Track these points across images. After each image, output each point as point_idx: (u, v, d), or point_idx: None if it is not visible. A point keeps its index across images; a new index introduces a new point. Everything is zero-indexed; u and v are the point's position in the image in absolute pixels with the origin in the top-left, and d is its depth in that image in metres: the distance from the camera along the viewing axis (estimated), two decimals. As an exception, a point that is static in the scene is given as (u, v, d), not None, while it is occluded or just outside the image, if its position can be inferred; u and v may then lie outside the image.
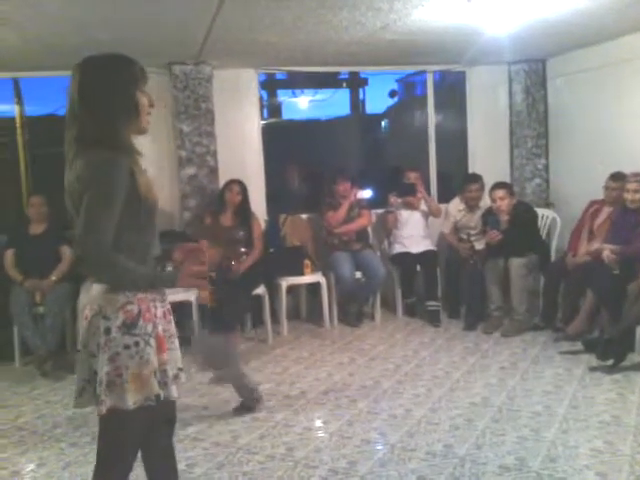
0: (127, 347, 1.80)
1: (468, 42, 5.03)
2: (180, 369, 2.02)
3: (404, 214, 5.72)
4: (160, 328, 1.90)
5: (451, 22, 4.34)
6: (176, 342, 2.02)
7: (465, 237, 5.54)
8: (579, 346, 4.37)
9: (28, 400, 4.03)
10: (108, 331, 1.80)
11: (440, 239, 5.99)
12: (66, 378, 4.40)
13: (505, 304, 5.15)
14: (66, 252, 4.88)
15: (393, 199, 5.68)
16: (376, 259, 5.53)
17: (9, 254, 4.86)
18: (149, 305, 1.87)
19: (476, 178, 5.70)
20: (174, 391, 1.95)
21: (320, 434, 3.30)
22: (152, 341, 1.85)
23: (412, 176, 5.69)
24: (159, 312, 1.92)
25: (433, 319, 5.36)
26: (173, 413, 2.10)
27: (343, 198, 5.51)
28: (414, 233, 5.71)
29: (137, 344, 1.81)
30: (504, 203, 5.03)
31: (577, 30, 4.76)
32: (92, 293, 1.86)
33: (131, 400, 1.80)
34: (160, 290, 1.94)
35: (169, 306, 2.01)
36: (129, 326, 1.81)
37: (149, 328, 1.85)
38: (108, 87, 1.82)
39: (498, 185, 5.17)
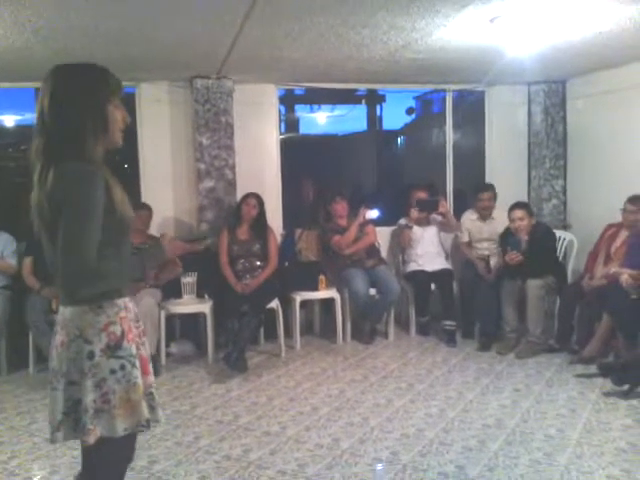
0: (113, 371, 1.71)
1: (489, 62, 5.04)
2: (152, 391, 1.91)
3: (417, 231, 5.71)
4: (141, 350, 1.84)
5: (473, 42, 4.36)
6: (150, 365, 1.92)
7: (482, 256, 5.54)
8: (594, 369, 4.34)
9: (42, 407, 4.04)
10: (91, 355, 1.69)
11: (454, 253, 6.00)
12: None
13: (520, 325, 5.12)
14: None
15: (415, 213, 5.66)
16: (390, 276, 5.52)
17: (27, 262, 4.90)
18: (130, 325, 1.79)
19: (487, 187, 5.73)
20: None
21: (332, 451, 3.28)
22: (137, 363, 1.77)
23: (422, 195, 5.70)
24: (135, 332, 1.83)
25: (449, 339, 5.33)
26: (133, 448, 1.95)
27: (342, 218, 5.53)
28: (428, 250, 5.70)
29: (123, 367, 1.72)
30: (523, 224, 5.00)
31: (598, 52, 4.77)
32: (65, 316, 1.74)
33: (121, 427, 1.73)
34: (135, 301, 1.87)
35: (143, 326, 1.93)
36: (113, 348, 1.71)
37: (133, 349, 1.77)
38: (77, 97, 1.72)
39: (517, 205, 5.14)
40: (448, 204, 6.35)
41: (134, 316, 1.85)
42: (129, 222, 1.79)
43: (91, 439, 1.70)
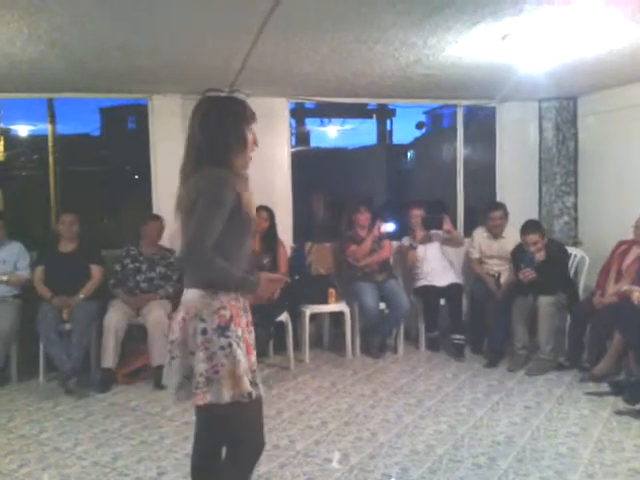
0: (222, 348, 2.01)
1: (500, 79, 5.06)
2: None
3: (420, 250, 5.72)
4: (246, 335, 2.13)
5: (484, 59, 4.38)
6: (254, 352, 2.20)
7: (492, 273, 5.54)
8: (605, 387, 4.30)
9: (51, 416, 4.06)
10: (205, 332, 2.01)
11: (466, 268, 6.00)
12: (89, 395, 4.44)
13: (530, 342, 5.09)
14: (96, 271, 4.96)
15: (421, 234, 5.67)
16: (400, 290, 5.52)
17: (38, 271, 4.94)
18: (239, 312, 2.10)
19: (498, 206, 5.73)
20: (261, 390, 2.14)
21: (341, 466, 3.27)
22: (242, 344, 2.07)
23: (416, 213, 5.71)
24: (243, 322, 2.13)
25: (457, 353, 5.32)
26: None
27: (363, 229, 5.53)
28: (434, 267, 5.70)
29: (230, 345, 2.02)
30: (538, 247, 4.97)
31: (610, 69, 4.78)
32: (186, 297, 2.08)
33: (226, 395, 2.01)
34: (245, 295, 2.16)
35: (250, 318, 2.22)
36: (223, 328, 2.02)
37: (239, 332, 2.07)
38: (225, 121, 2.11)
39: (530, 229, 5.04)
40: (459, 219, 6.38)
41: (243, 306, 2.15)
42: (251, 224, 2.13)
43: (199, 401, 2.01)
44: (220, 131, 2.10)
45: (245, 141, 2.14)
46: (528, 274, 4.92)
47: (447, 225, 5.66)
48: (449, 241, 5.79)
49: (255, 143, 2.21)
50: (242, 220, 2.07)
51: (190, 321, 2.04)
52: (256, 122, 2.20)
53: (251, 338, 2.19)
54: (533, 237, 4.99)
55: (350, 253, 5.51)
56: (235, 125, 2.12)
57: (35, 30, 3.57)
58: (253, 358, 2.16)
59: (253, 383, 2.09)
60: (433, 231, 5.77)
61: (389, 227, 5.60)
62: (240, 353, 2.04)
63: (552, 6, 3.27)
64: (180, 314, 2.09)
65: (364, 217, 5.55)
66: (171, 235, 5.50)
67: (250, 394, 2.05)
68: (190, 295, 2.07)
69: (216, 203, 1.99)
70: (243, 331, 2.10)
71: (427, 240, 5.74)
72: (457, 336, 5.37)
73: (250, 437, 2.16)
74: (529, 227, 5.08)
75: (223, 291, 2.05)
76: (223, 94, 2.36)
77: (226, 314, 2.04)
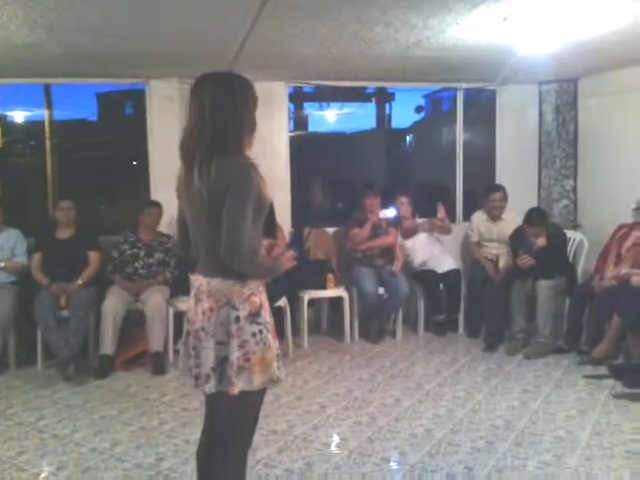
0: (254, 335, 2.00)
1: (501, 61, 5.01)
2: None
3: (407, 245, 5.71)
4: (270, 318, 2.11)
5: (485, 40, 4.33)
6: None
7: (490, 257, 5.54)
8: (603, 371, 4.32)
9: (49, 403, 4.06)
10: (237, 320, 1.98)
11: (463, 253, 5.98)
12: (87, 382, 4.44)
13: (529, 326, 5.09)
14: (93, 257, 4.94)
15: (408, 223, 5.69)
16: (399, 275, 5.50)
17: (36, 257, 4.91)
18: (265, 297, 2.09)
19: (498, 188, 5.72)
20: (283, 374, 2.13)
21: (339, 450, 3.27)
22: (271, 329, 2.07)
23: (403, 200, 5.69)
24: (267, 305, 2.11)
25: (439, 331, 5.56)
26: None
27: (371, 213, 5.50)
28: (430, 253, 5.70)
29: (261, 332, 2.01)
30: (541, 239, 4.95)
31: (611, 50, 4.72)
32: (213, 285, 2.01)
33: (257, 381, 2.01)
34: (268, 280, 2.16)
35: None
36: (254, 315, 2.01)
37: (268, 317, 2.06)
38: (239, 104, 2.02)
39: (536, 221, 4.98)
40: (458, 203, 6.36)
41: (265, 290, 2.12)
42: (267, 205, 2.05)
43: (235, 390, 1.99)
44: (236, 115, 2.00)
45: (255, 123, 2.07)
46: (526, 260, 4.90)
47: (440, 213, 5.63)
48: (439, 229, 5.76)
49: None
50: (262, 206, 2.01)
51: (220, 309, 2.00)
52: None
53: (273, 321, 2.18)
54: (537, 230, 4.96)
55: (352, 235, 5.51)
56: (248, 108, 2.04)
57: (29, 14, 3.51)
58: (277, 342, 2.15)
59: (278, 367, 2.09)
60: (420, 220, 5.78)
61: (389, 213, 5.54)
62: (270, 338, 2.04)
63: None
64: (206, 303, 2.02)
65: (370, 202, 5.52)
66: (169, 221, 5.47)
67: (278, 378, 2.07)
68: (217, 284, 2.01)
69: (249, 198, 1.92)
70: (270, 315, 2.09)
71: (411, 234, 5.72)
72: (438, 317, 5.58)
73: (252, 424, 2.16)
74: (534, 218, 5.00)
75: (251, 278, 2.02)
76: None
77: (256, 301, 2.02)
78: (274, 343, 2.07)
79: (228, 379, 1.99)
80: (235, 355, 1.98)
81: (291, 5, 3.52)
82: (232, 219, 1.91)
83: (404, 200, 5.71)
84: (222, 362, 2.01)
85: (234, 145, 2.00)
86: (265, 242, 2.18)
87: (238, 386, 1.99)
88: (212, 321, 2.01)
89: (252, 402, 2.09)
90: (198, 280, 2.07)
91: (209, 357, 2.02)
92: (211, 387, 2.03)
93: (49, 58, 4.57)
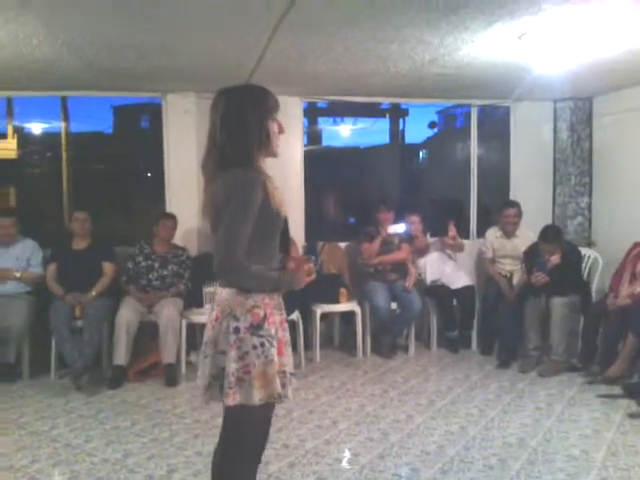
0: (255, 347, 1.97)
1: (516, 79, 5.02)
2: (292, 374, 2.16)
3: (420, 264, 5.70)
4: (280, 333, 2.08)
5: (500, 59, 4.35)
6: (289, 349, 2.17)
7: (504, 273, 5.53)
8: (617, 390, 4.28)
9: (63, 413, 4.08)
10: (237, 331, 1.97)
11: (478, 269, 5.97)
12: (100, 392, 4.46)
13: (543, 343, 5.06)
14: (108, 268, 4.98)
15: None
16: (412, 290, 5.49)
17: (51, 268, 4.96)
18: (273, 311, 2.05)
19: (513, 204, 5.71)
20: (290, 392, 2.11)
21: (351, 466, 3.26)
22: (275, 343, 2.02)
23: (414, 219, 5.69)
24: (277, 319, 2.08)
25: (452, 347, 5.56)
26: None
27: (384, 228, 5.51)
28: (444, 272, 5.68)
29: (263, 345, 1.98)
30: (556, 257, 4.92)
31: (626, 69, 4.72)
32: (222, 296, 2.04)
33: (257, 397, 1.97)
34: (280, 294, 2.11)
35: (285, 315, 2.16)
36: (256, 327, 1.98)
37: (272, 331, 2.02)
38: (246, 117, 2.01)
39: (551, 238, 4.94)
40: (472, 219, 6.35)
41: (277, 304, 2.10)
42: (281, 221, 2.07)
43: (230, 401, 1.96)
44: (242, 129, 2.00)
45: (269, 134, 2.05)
46: (540, 278, 4.88)
47: (452, 232, 5.63)
48: (450, 247, 5.76)
49: (281, 131, 2.11)
50: (273, 219, 2.01)
51: (223, 319, 2.00)
52: (279, 109, 2.10)
53: (286, 336, 2.14)
54: (552, 248, 4.94)
55: (362, 249, 5.51)
56: (258, 119, 2.02)
57: (51, 30, 3.59)
58: (285, 359, 2.11)
59: (282, 384, 2.05)
60: (432, 239, 5.78)
61: (399, 228, 5.53)
62: (273, 353, 2.00)
63: (570, 5, 3.24)
64: (214, 313, 2.05)
65: (384, 216, 5.53)
66: (185, 234, 5.51)
67: (280, 395, 2.02)
68: (225, 294, 2.03)
69: (244, 209, 1.92)
70: (277, 329, 2.05)
71: (423, 254, 5.72)
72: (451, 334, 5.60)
73: (259, 441, 2.14)
74: (549, 236, 4.96)
75: (256, 290, 2.01)
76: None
77: (260, 312, 1.99)
78: (278, 359, 2.03)
79: (223, 390, 1.98)
80: (233, 366, 1.95)
81: (307, 23, 3.57)
82: (222, 231, 1.92)
83: (415, 219, 5.71)
84: (222, 372, 2.00)
85: (242, 158, 1.99)
86: (297, 257, 2.23)
87: (234, 398, 1.96)
88: (216, 330, 2.02)
89: (255, 418, 2.05)
90: (216, 290, 2.11)
91: (209, 366, 2.03)
92: (207, 397, 2.05)
93: (67, 72, 4.63)
